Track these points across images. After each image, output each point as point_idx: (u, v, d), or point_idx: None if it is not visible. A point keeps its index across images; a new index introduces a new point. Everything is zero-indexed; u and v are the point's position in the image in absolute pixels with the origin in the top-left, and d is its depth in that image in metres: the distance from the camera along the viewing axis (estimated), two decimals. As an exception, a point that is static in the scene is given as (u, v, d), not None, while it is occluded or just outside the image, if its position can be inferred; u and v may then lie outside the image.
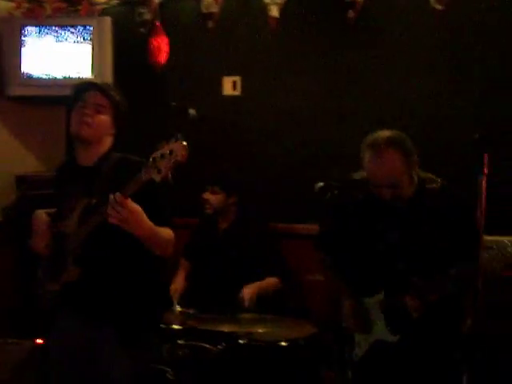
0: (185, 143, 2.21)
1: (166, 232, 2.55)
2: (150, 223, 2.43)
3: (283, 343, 3.49)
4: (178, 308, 3.75)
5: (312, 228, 4.23)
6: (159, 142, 2.28)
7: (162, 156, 2.22)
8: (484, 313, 2.52)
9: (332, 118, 4.48)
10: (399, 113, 4.22)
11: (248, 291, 3.79)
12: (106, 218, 2.34)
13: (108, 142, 2.71)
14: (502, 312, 3.32)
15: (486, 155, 2.28)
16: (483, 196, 2.28)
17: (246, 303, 3.73)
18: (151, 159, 2.24)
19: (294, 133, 4.56)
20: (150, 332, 2.70)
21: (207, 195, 4.10)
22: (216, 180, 4.13)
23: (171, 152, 2.21)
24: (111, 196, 2.31)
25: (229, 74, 4.70)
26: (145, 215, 2.40)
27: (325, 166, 4.37)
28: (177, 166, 2.23)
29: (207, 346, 3.47)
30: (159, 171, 2.22)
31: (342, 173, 3.11)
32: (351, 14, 4.37)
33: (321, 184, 2.87)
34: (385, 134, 2.79)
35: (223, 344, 3.45)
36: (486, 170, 2.28)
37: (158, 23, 4.66)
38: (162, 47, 4.58)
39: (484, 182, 2.29)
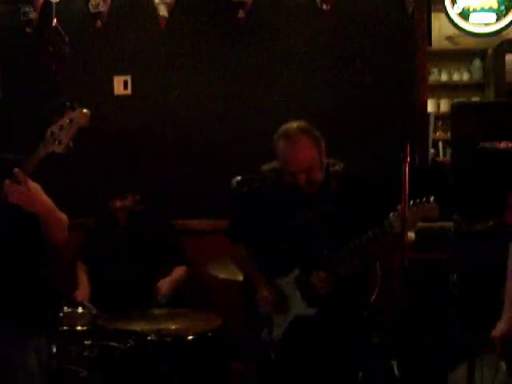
0: (85, 110, 2.24)
1: (63, 214, 2.52)
2: (49, 200, 2.42)
3: (191, 337, 3.55)
4: (85, 309, 3.71)
5: (207, 223, 4.38)
6: (54, 116, 2.28)
7: (62, 127, 2.23)
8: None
9: (223, 117, 4.58)
10: (291, 110, 4.37)
11: (163, 284, 3.83)
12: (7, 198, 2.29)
13: None
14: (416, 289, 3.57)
15: (407, 143, 2.44)
16: (406, 181, 2.45)
17: (161, 297, 3.76)
18: (49, 133, 2.24)
19: (186, 131, 4.62)
20: (42, 331, 2.60)
21: (119, 203, 4.10)
22: (122, 187, 4.15)
23: (71, 121, 2.22)
24: (7, 181, 2.27)
25: (120, 74, 4.68)
26: (43, 193, 2.39)
27: (218, 163, 4.49)
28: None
29: (115, 344, 3.47)
30: (60, 142, 2.23)
31: (236, 168, 3.21)
32: (241, 14, 4.49)
33: (238, 178, 2.95)
34: (294, 124, 2.95)
35: (131, 342, 3.47)
36: (408, 158, 2.44)
37: (55, 24, 4.57)
38: (58, 50, 4.51)
39: (406, 169, 2.45)
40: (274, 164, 3.06)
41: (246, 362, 3.57)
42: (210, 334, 3.61)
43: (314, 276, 2.92)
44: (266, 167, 3.11)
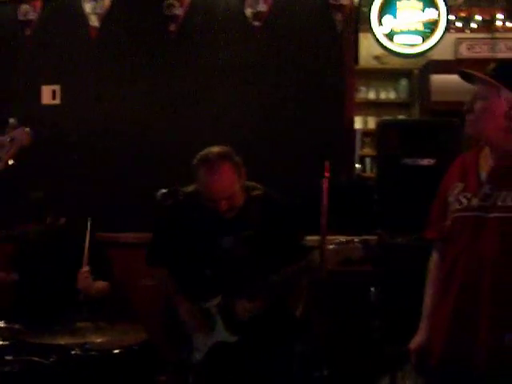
0: (27, 129, 2.29)
1: None
2: None
3: (116, 351, 3.50)
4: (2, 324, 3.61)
5: (137, 236, 4.34)
6: None
7: (2, 145, 2.24)
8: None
9: (151, 129, 4.55)
10: (218, 124, 4.41)
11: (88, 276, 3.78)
12: None
13: None
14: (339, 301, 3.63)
15: (326, 161, 2.49)
16: (325, 197, 2.49)
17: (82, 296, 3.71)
18: None
19: (114, 143, 4.57)
20: None
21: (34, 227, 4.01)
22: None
23: (12, 139, 2.25)
24: None
25: (48, 83, 4.62)
26: None
27: (146, 175, 4.44)
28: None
29: (38, 359, 3.39)
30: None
31: (160, 180, 3.19)
32: (172, 27, 4.50)
33: (164, 190, 2.92)
34: (214, 149, 2.90)
35: (54, 356, 3.39)
36: (327, 174, 2.49)
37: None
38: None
39: (326, 185, 2.50)
40: (192, 187, 3.01)
41: (172, 375, 3.55)
42: (135, 347, 3.56)
43: (238, 305, 2.90)
44: (186, 189, 3.05)
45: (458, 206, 2.26)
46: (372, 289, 3.63)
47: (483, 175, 2.26)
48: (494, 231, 2.15)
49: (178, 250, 3.03)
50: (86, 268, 3.75)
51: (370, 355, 3.58)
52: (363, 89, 6.16)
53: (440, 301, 2.31)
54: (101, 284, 3.98)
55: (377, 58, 5.99)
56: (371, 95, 6.25)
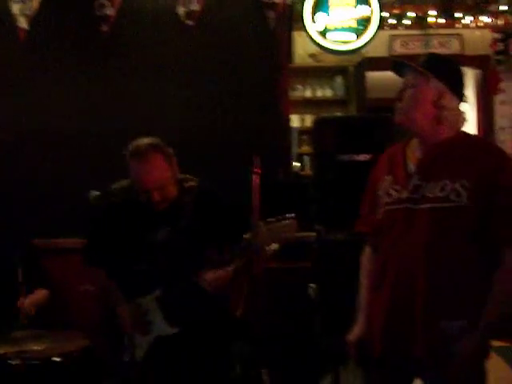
0: None
1: None
2: None
3: (57, 358, 3.43)
4: None
5: (74, 242, 4.26)
6: None
7: None
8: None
9: (84, 131, 4.46)
10: (152, 125, 4.31)
11: (24, 303, 3.68)
12: None
13: None
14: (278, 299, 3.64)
15: (256, 157, 2.49)
16: (256, 193, 2.49)
17: (23, 318, 3.62)
18: None
19: (45, 147, 4.46)
20: None
21: None
22: None
23: None
24: None
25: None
26: None
27: (79, 179, 4.32)
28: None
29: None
30: None
31: (97, 185, 3.16)
32: (104, 27, 4.43)
33: (96, 193, 2.89)
34: (144, 140, 2.92)
35: (-9, 367, 3.30)
36: (257, 170, 2.49)
37: None
38: None
39: (256, 180, 2.50)
40: (124, 182, 3.02)
41: (114, 382, 3.50)
42: (76, 354, 3.50)
43: (175, 296, 2.90)
44: (116, 186, 3.07)
45: (387, 199, 2.29)
46: (311, 285, 3.64)
47: (411, 167, 2.29)
48: (424, 222, 2.18)
49: (113, 248, 3.01)
50: (21, 300, 3.66)
51: (311, 353, 3.60)
52: (299, 87, 6.19)
53: (376, 292, 2.33)
54: (40, 294, 3.89)
55: (312, 55, 6.02)
56: (308, 93, 6.28)
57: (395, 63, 2.33)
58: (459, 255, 2.16)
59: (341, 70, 6.40)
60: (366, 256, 2.48)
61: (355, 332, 2.41)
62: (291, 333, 3.69)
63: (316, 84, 6.29)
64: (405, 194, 2.24)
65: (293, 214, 2.79)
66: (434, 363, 2.18)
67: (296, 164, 4.95)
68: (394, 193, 2.27)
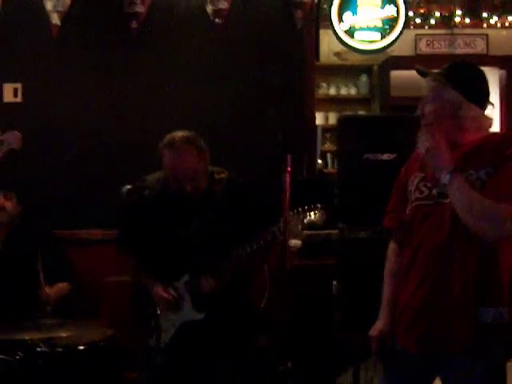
0: (17, 132, 2.44)
1: None
2: None
3: (82, 347, 3.52)
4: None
5: (104, 233, 4.36)
6: None
7: None
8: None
9: (113, 125, 4.59)
10: (180, 120, 4.43)
11: (49, 293, 3.77)
12: None
13: None
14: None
15: (288, 155, 2.55)
16: (287, 191, 2.55)
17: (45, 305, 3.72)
18: None
19: (75, 139, 4.59)
20: None
21: (2, 201, 3.98)
22: (9, 186, 4.03)
23: (2, 142, 2.40)
24: None
25: (10, 81, 4.60)
26: None
27: (105, 172, 4.47)
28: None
29: (2, 356, 3.40)
30: None
31: (124, 176, 3.24)
32: (134, 24, 4.53)
33: (128, 187, 2.99)
34: (179, 133, 3.05)
35: (20, 354, 3.40)
36: (288, 168, 2.55)
37: None
38: None
39: (288, 179, 2.56)
40: (158, 174, 3.13)
41: (137, 371, 3.59)
42: (102, 343, 3.59)
43: (202, 281, 3.00)
44: (150, 177, 3.18)
45: (418, 195, 2.34)
46: (334, 282, 3.70)
47: None
48: (453, 216, 2.22)
49: (145, 236, 3.13)
50: (45, 289, 3.76)
51: (332, 348, 3.66)
52: (324, 85, 6.24)
53: (403, 287, 2.38)
54: (60, 287, 3.99)
55: (337, 54, 6.07)
56: (332, 91, 6.33)
57: (417, 70, 2.39)
58: (490, 244, 2.21)
59: (365, 69, 6.44)
60: (392, 251, 2.53)
61: (378, 327, 2.46)
62: (313, 329, 3.75)
63: (340, 82, 6.34)
64: (435, 191, 2.29)
65: (320, 204, 2.88)
66: (465, 355, 2.21)
67: (319, 161, 5.00)
68: (424, 189, 2.33)
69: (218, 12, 4.51)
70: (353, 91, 6.35)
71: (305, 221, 2.86)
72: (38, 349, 3.36)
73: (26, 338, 3.39)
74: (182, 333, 3.08)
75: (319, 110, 5.80)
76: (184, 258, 3.06)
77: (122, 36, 4.55)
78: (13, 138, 2.40)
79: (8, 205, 4.01)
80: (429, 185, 2.33)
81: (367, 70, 6.44)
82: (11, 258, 3.99)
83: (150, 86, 4.58)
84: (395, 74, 6.24)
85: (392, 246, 2.54)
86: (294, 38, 4.54)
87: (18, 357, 3.36)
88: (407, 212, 2.39)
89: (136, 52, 4.58)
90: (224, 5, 4.50)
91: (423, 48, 6.63)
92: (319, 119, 5.76)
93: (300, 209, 2.86)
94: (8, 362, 3.37)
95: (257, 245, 2.91)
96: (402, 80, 6.10)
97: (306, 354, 3.74)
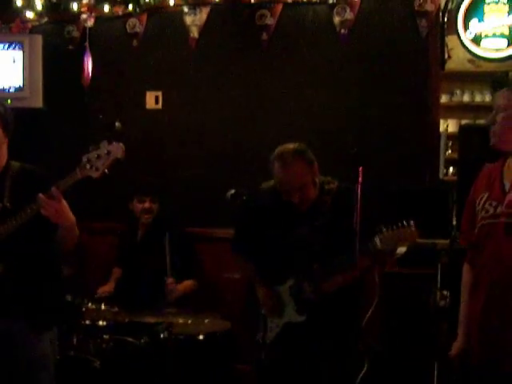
0: (122, 144, 2.62)
1: (76, 228, 2.88)
2: (72, 217, 2.78)
3: (201, 337, 3.81)
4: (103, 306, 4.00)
5: (225, 232, 4.63)
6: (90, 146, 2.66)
7: (99, 156, 2.60)
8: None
9: (245, 132, 4.88)
10: (308, 129, 4.65)
11: (176, 286, 4.10)
12: (40, 210, 2.64)
13: (4, 150, 2.90)
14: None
15: (360, 167, 2.68)
16: (359, 202, 2.68)
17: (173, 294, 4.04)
18: (85, 159, 2.62)
19: (210, 144, 4.93)
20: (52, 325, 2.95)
21: (149, 204, 4.40)
22: (152, 190, 4.45)
23: (109, 152, 2.60)
24: (43, 196, 2.62)
25: (152, 89, 5.03)
26: (69, 210, 2.75)
27: (238, 174, 4.72)
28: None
29: (130, 339, 3.76)
30: (97, 169, 2.61)
31: (253, 180, 3.47)
32: (264, 36, 4.78)
33: (232, 191, 3.22)
34: (290, 146, 3.19)
35: (145, 338, 3.75)
36: (360, 180, 2.68)
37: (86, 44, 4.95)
38: (87, 67, 4.89)
39: (359, 190, 2.69)
40: (271, 182, 3.29)
41: (247, 363, 3.81)
42: (219, 334, 3.87)
43: (306, 286, 3.17)
44: (265, 185, 3.37)
45: (484, 214, 2.41)
46: (444, 292, 3.72)
47: (507, 185, 2.40)
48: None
49: (257, 239, 3.33)
50: (170, 279, 4.08)
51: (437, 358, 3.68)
52: (458, 92, 6.15)
53: (471, 304, 2.47)
54: (187, 285, 4.32)
55: (471, 61, 5.97)
56: (466, 98, 6.22)
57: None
58: None
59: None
60: (465, 271, 2.60)
61: (456, 346, 2.55)
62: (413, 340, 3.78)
63: (475, 89, 6.22)
64: (500, 209, 2.35)
65: (412, 222, 2.92)
66: None
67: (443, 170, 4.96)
68: (490, 208, 2.39)
69: (343, 23, 4.65)
70: (487, 98, 6.20)
71: (397, 237, 2.92)
72: (162, 335, 3.70)
73: (151, 321, 3.74)
74: (285, 332, 3.26)
75: (452, 117, 5.74)
76: (290, 263, 3.23)
77: (253, 47, 4.81)
78: (117, 149, 2.60)
79: (155, 207, 4.42)
80: (494, 203, 2.38)
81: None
82: (147, 251, 4.39)
83: (278, 95, 4.80)
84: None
85: (466, 266, 2.61)
86: (418, 46, 4.56)
87: (143, 340, 3.75)
88: (475, 231, 2.46)
89: (265, 62, 4.82)
90: (350, 15, 4.63)
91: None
92: (451, 126, 5.70)
93: (393, 225, 2.91)
94: (134, 345, 3.76)
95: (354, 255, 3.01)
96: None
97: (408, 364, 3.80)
